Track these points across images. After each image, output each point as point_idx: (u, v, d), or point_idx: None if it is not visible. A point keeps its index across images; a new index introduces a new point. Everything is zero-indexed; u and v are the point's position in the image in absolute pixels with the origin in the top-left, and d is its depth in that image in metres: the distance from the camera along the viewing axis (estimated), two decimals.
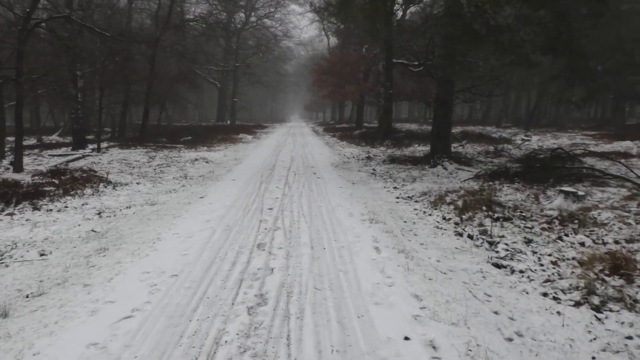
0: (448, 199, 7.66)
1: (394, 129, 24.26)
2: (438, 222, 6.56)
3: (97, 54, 17.35)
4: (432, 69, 15.77)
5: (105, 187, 9.64)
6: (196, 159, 15.26)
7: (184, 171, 12.40)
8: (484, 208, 6.79)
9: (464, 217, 6.52)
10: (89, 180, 10.11)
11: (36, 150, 18.62)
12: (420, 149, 18.25)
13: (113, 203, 8.07)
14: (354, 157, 15.96)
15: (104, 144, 19.73)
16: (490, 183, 9.27)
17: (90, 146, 19.84)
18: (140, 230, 6.03)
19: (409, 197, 8.46)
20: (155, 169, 12.91)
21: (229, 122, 43.97)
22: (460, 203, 7.27)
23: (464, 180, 9.93)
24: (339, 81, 31.59)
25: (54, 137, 25.95)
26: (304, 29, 77.27)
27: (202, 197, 8.37)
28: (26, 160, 15.38)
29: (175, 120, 56.38)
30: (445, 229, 6.16)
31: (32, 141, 25.00)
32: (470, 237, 5.74)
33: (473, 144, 20.08)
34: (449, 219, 6.61)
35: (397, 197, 8.47)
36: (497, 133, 28.01)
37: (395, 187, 9.47)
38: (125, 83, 21.57)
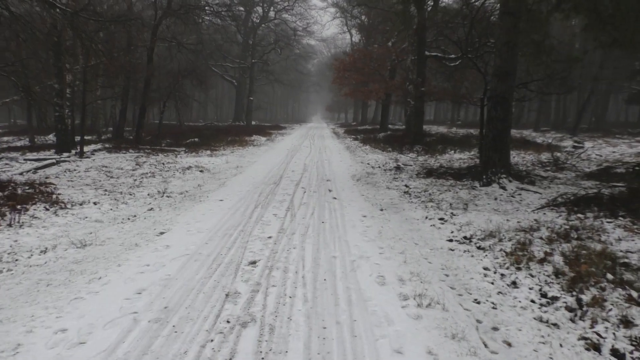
0: (536, 250, 4.84)
1: (423, 132, 21.34)
2: (535, 302, 3.76)
3: (86, 44, 15.00)
4: (479, 60, 12.91)
5: (47, 209, 7.14)
6: (190, 167, 12.72)
7: (165, 184, 9.84)
8: (609, 276, 3.97)
9: (583, 297, 3.70)
10: (30, 199, 7.61)
11: (18, 153, 16.39)
12: (457, 157, 15.35)
13: (30, 240, 5.51)
14: (379, 167, 13.18)
15: (93, 147, 17.39)
16: (580, 216, 6.40)
17: (87, 148, 17.60)
18: (7, 318, 3.40)
19: (466, 238, 5.67)
20: (135, 180, 10.43)
21: (244, 122, 41.53)
22: (558, 259, 4.46)
23: (537, 210, 7.07)
24: (362, 78, 28.81)
25: (51, 138, 23.82)
26: (325, 25, 74.60)
27: (161, 233, 5.73)
28: None
29: (193, 120, 54.46)
30: (560, 326, 3.36)
31: (23, 142, 23.06)
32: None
33: (518, 151, 17.05)
34: (555, 297, 3.79)
35: (449, 239, 5.68)
36: (538, 138, 24.82)
37: (442, 219, 6.66)
38: (124, 78, 19.26)
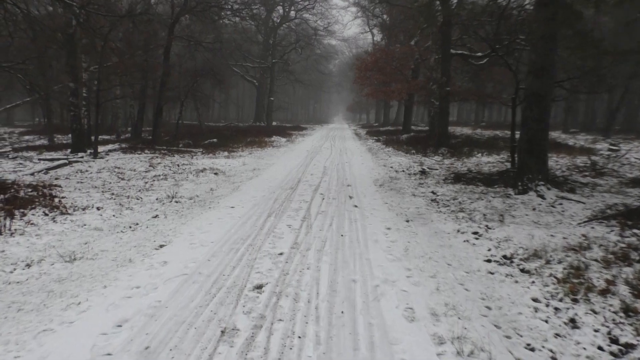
0: (594, 277, 4.08)
1: (448, 134, 20.44)
2: (604, 349, 3.02)
3: (101, 44, 14.66)
4: (509, 56, 12.04)
5: (46, 214, 6.65)
6: (204, 169, 12.19)
7: (177, 187, 9.31)
8: None
9: None
10: (30, 202, 7.14)
11: (35, 153, 16.17)
12: (485, 161, 14.47)
13: (19, 251, 4.99)
14: (403, 171, 12.43)
15: (109, 147, 17.08)
16: (637, 232, 5.58)
17: (102, 148, 17.35)
18: None
19: (506, 258, 4.92)
20: (145, 183, 9.95)
21: (265, 123, 41.12)
22: (624, 290, 3.70)
23: (583, 223, 6.25)
24: (384, 78, 27.98)
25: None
26: (347, 25, 73.94)
27: (161, 246, 5.14)
28: (10, 165, 12.86)
29: (214, 120, 54.38)
30: None
31: (43, 141, 22.99)
32: None
33: (550, 154, 16.03)
34: (630, 345, 3.04)
35: (487, 259, 4.94)
36: (569, 140, 23.63)
37: (476, 233, 5.90)
38: (141, 77, 18.94)
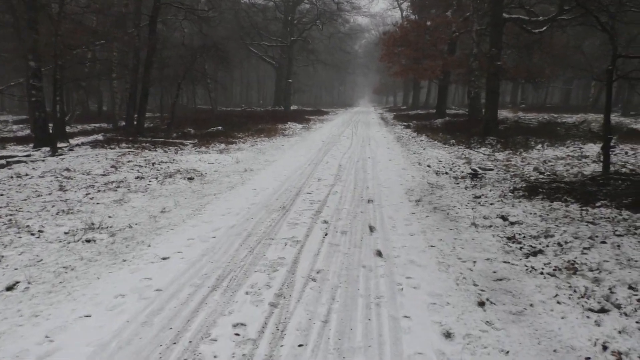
0: None
1: (497, 120, 16.80)
2: None
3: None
4: (602, 13, 8.52)
5: None
6: (178, 171, 9.20)
7: (116, 207, 6.32)
8: None
9: None
10: None
11: None
12: (553, 155, 11.00)
13: None
14: (446, 173, 9.12)
15: (84, 139, 14.29)
16: None
17: (78, 140, 14.59)
18: None
19: None
20: (85, 196, 7.11)
21: (283, 107, 37.92)
22: None
23: None
24: (415, 54, 24.30)
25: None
26: (373, 1, 69.44)
27: None
28: None
29: (234, 104, 51.46)
30: None
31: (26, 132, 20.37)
32: None
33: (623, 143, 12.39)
34: None
35: None
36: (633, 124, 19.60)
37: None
38: (134, 55, 16.00)
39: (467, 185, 7.81)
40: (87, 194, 7.30)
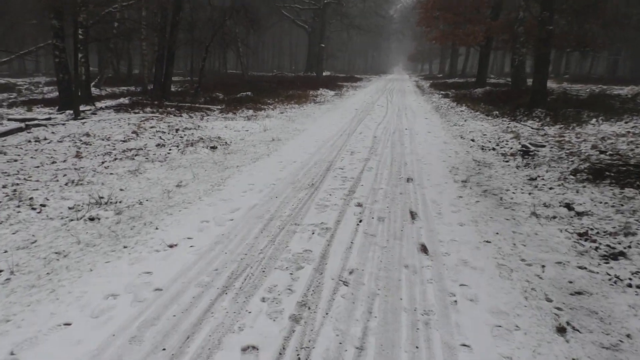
0: None
1: (546, 91, 15.42)
2: None
3: None
4: None
5: None
6: (202, 140, 8.63)
7: (130, 178, 5.80)
8: None
9: None
10: None
11: (20, 109, 13.25)
12: (611, 131, 9.87)
13: None
14: (492, 148, 8.22)
15: (109, 102, 13.87)
16: None
17: (103, 103, 14.18)
18: None
19: None
20: (101, 164, 6.65)
21: (315, 73, 36.81)
22: None
23: None
24: (455, 18, 22.75)
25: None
26: None
27: None
28: None
29: (266, 70, 50.55)
30: None
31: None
32: None
33: None
34: None
35: None
36: None
37: None
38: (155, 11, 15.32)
39: (519, 163, 6.94)
40: (102, 162, 6.82)
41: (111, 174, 6.13)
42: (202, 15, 18.48)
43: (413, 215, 4.43)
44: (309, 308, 2.67)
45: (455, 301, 2.79)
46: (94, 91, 20.54)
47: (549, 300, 2.84)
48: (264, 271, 3.14)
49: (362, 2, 41.14)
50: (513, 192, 5.32)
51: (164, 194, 5.11)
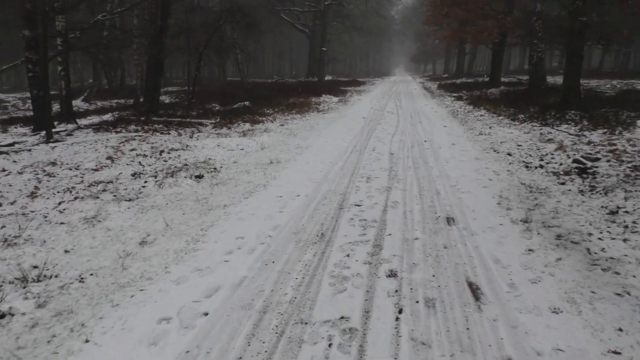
0: None
1: (580, 90, 13.80)
2: None
3: None
4: None
5: None
6: (186, 166, 7.23)
7: (87, 228, 4.39)
8: None
9: None
10: None
11: None
12: None
13: None
14: (540, 166, 6.75)
15: (90, 120, 12.50)
16: None
17: (87, 121, 12.81)
18: None
19: None
20: (57, 206, 5.29)
21: (317, 78, 35.42)
22: None
23: None
24: (466, 15, 21.31)
25: (77, 103, 19.51)
26: None
27: None
28: None
29: (265, 76, 49.17)
30: None
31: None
32: None
33: None
34: None
35: None
36: None
37: None
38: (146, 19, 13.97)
39: (580, 187, 5.48)
40: (59, 204, 5.43)
41: (62, 223, 4.73)
42: (197, 20, 17.15)
43: (475, 292, 2.98)
44: None
45: None
46: (82, 106, 19.29)
47: None
48: None
49: (364, 3, 39.78)
50: (599, 239, 3.87)
51: (119, 259, 3.68)
